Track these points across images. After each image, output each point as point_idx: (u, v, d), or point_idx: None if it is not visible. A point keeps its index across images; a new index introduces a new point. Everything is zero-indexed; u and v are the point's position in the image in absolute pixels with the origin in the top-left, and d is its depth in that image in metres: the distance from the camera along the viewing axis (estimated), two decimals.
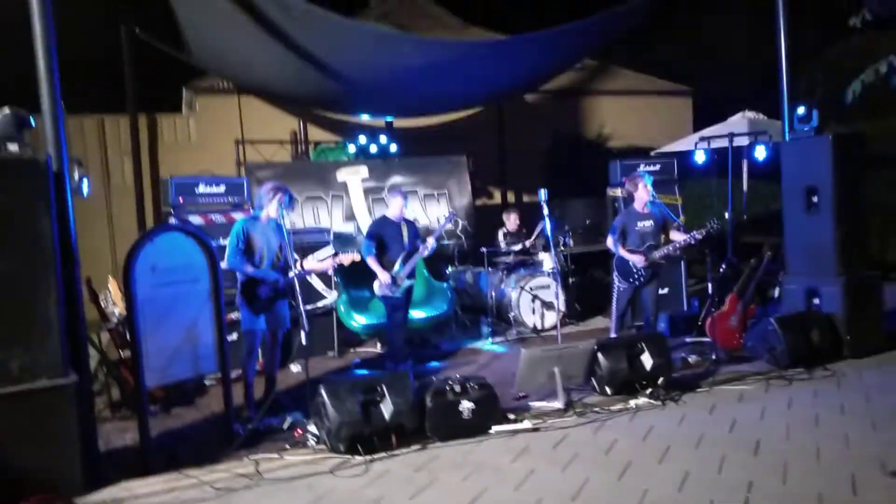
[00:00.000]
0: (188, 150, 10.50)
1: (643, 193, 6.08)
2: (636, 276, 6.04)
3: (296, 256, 5.20)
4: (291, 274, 4.92)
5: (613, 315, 6.37)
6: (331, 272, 6.78)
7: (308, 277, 6.58)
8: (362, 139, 9.83)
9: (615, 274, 6.22)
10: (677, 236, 6.03)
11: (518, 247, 8.12)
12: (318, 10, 6.78)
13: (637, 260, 5.98)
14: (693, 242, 5.99)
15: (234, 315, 5.39)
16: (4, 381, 3.65)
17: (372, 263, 5.99)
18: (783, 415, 4.67)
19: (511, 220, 8.28)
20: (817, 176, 6.02)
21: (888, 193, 9.22)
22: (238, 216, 6.04)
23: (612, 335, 6.22)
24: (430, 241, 6.12)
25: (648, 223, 6.08)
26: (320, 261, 5.35)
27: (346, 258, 5.42)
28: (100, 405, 5.19)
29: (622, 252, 6.06)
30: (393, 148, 9.92)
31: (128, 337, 4.52)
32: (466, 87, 9.41)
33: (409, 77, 8.27)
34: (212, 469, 4.07)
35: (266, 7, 6.72)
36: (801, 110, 6.20)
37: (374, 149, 9.81)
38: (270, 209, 5.09)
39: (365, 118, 10.70)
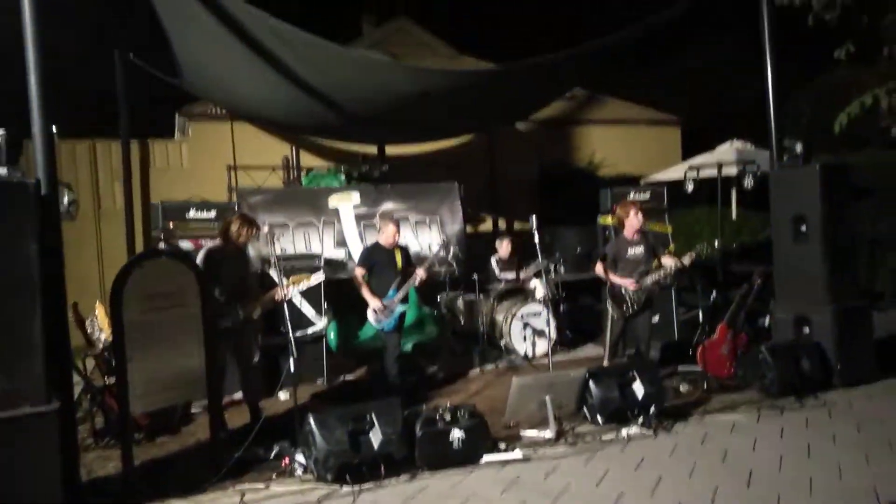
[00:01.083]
0: (180, 175, 10.50)
1: (633, 220, 6.12)
2: (629, 304, 6.04)
3: (286, 281, 5.18)
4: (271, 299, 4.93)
5: (606, 343, 6.35)
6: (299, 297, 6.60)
7: (297, 304, 6.54)
8: (354, 165, 9.87)
9: (608, 302, 6.22)
10: (668, 262, 6.05)
11: (511, 275, 8.13)
12: (312, 37, 6.83)
13: (628, 284, 5.99)
14: (683, 267, 6.01)
15: None
16: None
17: (363, 291, 5.97)
18: (775, 445, 4.64)
19: (503, 247, 8.30)
20: (805, 205, 6.07)
21: (874, 224, 9.33)
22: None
23: (605, 364, 6.19)
24: (421, 273, 6.02)
25: (640, 250, 6.11)
26: (275, 293, 5.25)
27: (300, 285, 5.33)
28: (83, 433, 5.09)
29: (612, 277, 6.07)
30: (385, 174, 9.96)
31: (113, 363, 4.45)
32: (458, 115, 9.49)
33: (402, 105, 8.34)
34: (196, 500, 3.99)
35: (260, 34, 6.77)
36: (798, 148, 6.21)
37: (366, 175, 9.84)
38: (240, 239, 5.10)
39: (355, 146, 10.76)
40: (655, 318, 6.77)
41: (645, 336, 6.17)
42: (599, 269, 6.19)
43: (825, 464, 4.25)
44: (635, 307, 6.05)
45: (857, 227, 6.57)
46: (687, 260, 5.94)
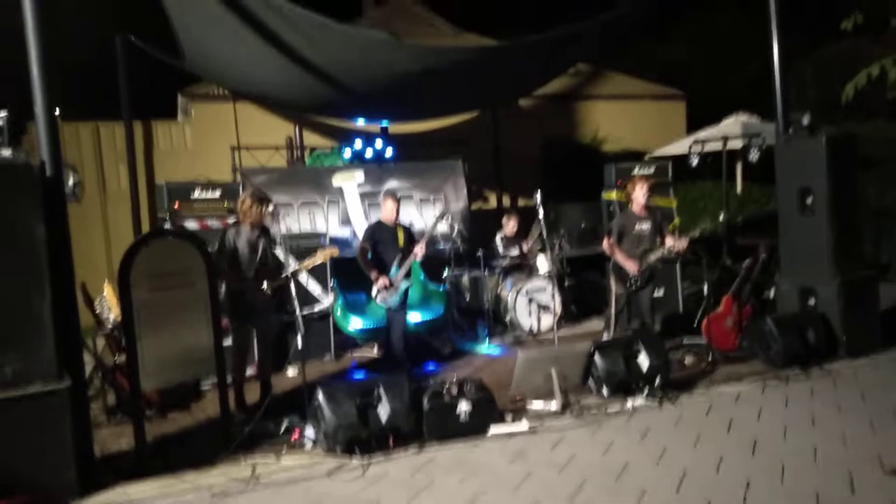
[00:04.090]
0: (184, 156, 10.49)
1: (640, 196, 6.12)
2: (633, 280, 6.05)
3: (292, 261, 5.21)
4: (283, 274, 4.95)
5: (611, 318, 6.37)
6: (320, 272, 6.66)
7: (304, 282, 6.57)
8: (358, 144, 9.85)
9: (612, 277, 6.24)
10: (671, 243, 6.06)
11: (515, 251, 8.12)
12: (313, 15, 6.78)
13: (630, 267, 6.01)
14: (682, 249, 6.03)
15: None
16: None
17: (367, 268, 6.00)
18: (780, 414, 4.67)
19: (510, 226, 8.25)
20: (811, 177, 6.04)
21: (880, 195, 9.28)
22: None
23: (607, 338, 6.22)
24: (420, 247, 6.05)
25: (646, 226, 6.11)
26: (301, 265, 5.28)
27: (318, 259, 5.36)
28: (95, 411, 5.16)
29: (618, 255, 6.08)
30: (388, 153, 9.93)
31: (123, 342, 4.50)
32: (461, 93, 9.43)
33: (405, 83, 8.29)
34: (208, 472, 4.06)
35: (262, 12, 6.72)
36: (805, 119, 6.09)
37: (369, 153, 9.82)
38: (253, 217, 5.10)
39: (361, 122, 10.72)
40: (659, 293, 6.78)
41: (649, 310, 6.20)
42: (606, 244, 6.19)
43: (830, 432, 4.28)
44: (638, 283, 6.07)
45: (863, 199, 6.53)
46: (690, 238, 5.97)
